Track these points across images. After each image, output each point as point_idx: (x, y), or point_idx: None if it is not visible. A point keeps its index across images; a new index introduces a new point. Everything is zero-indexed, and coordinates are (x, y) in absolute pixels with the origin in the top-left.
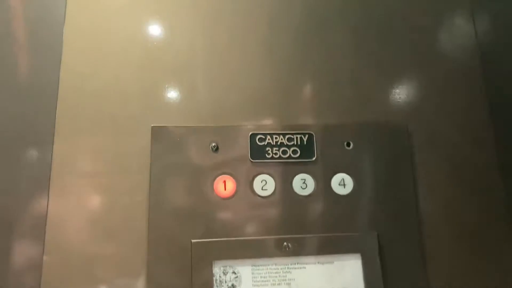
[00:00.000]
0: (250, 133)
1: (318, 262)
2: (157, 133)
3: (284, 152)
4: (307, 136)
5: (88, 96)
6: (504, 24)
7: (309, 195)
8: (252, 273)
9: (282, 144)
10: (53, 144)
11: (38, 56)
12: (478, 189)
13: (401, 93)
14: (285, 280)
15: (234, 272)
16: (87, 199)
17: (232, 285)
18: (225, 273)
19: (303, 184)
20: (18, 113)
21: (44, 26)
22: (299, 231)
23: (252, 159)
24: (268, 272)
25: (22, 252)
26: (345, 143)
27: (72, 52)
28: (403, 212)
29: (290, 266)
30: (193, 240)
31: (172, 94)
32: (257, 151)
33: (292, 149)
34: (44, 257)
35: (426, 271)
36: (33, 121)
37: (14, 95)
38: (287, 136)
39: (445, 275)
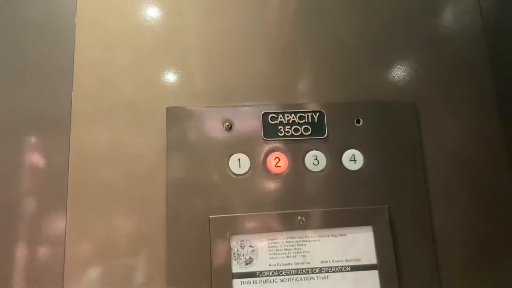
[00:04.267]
0: (263, 112)
1: (331, 235)
2: (172, 114)
3: (296, 130)
4: (318, 114)
5: (103, 81)
6: (509, 3)
7: (321, 171)
8: (268, 246)
9: (294, 122)
10: (70, 129)
11: (51, 43)
12: (484, 162)
13: (408, 72)
14: (300, 252)
15: (251, 246)
16: (106, 182)
17: (250, 258)
18: (242, 247)
19: (315, 160)
20: (34, 100)
21: (56, 12)
22: (313, 206)
23: (265, 137)
24: (284, 245)
25: (44, 232)
26: (355, 120)
27: (85, 39)
28: (412, 186)
29: (304, 239)
30: (210, 216)
31: (185, 76)
32: (270, 130)
33: (303, 127)
34: (67, 237)
35: (435, 241)
36: (50, 107)
37: (29, 83)
38: (298, 115)
39: (453, 247)
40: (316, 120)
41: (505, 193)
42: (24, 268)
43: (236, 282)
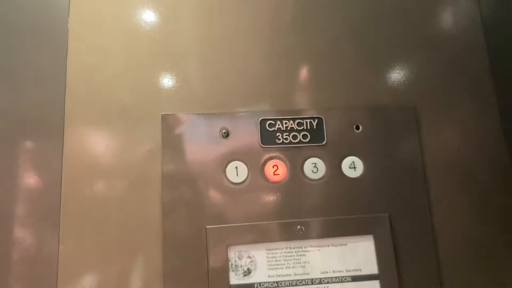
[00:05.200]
0: (260, 118)
1: (331, 244)
2: (167, 120)
3: (294, 137)
4: (316, 120)
5: (96, 86)
6: (508, 5)
7: (320, 179)
8: (267, 257)
9: (292, 129)
10: (63, 135)
11: (43, 48)
12: (485, 168)
13: (408, 75)
14: (300, 262)
15: (249, 257)
16: (100, 189)
17: (248, 269)
18: (240, 258)
19: (314, 168)
20: (27, 106)
21: (49, 17)
22: (312, 215)
23: (263, 144)
24: (283, 256)
25: (37, 242)
26: (354, 126)
27: (78, 44)
28: (413, 193)
29: (304, 249)
30: (207, 226)
31: (181, 82)
32: (268, 137)
33: (302, 133)
34: (60, 247)
35: (437, 250)
36: (43, 113)
37: (22, 88)
38: (296, 121)
39: (455, 255)
40: (314, 127)
41: (507, 199)
42: (17, 278)
43: None
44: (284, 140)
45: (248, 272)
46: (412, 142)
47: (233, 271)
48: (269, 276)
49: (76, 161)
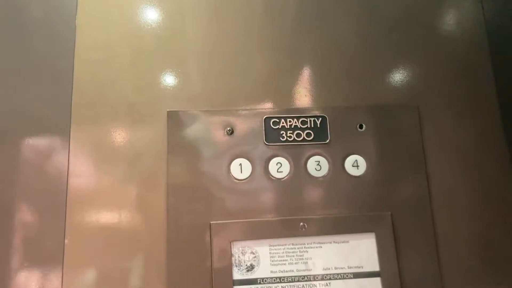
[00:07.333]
0: (265, 116)
1: (333, 241)
2: (173, 117)
3: (298, 135)
4: (320, 119)
5: (103, 84)
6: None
7: (324, 177)
8: (270, 253)
9: (296, 127)
10: (70, 133)
11: (51, 46)
12: (488, 168)
13: (411, 76)
14: (302, 259)
15: (252, 252)
16: (105, 184)
17: (251, 264)
18: (243, 253)
19: (317, 166)
20: (34, 103)
21: (56, 15)
22: (315, 212)
23: (267, 142)
24: (286, 252)
25: (43, 235)
26: (358, 125)
27: (85, 41)
28: (415, 192)
29: (306, 245)
30: (211, 222)
31: (186, 79)
32: (272, 134)
33: (306, 132)
34: (66, 241)
35: (438, 248)
36: (49, 110)
37: (29, 85)
38: (301, 119)
39: (457, 254)
40: (318, 125)
41: (510, 198)
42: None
43: None
44: (288, 138)
45: (251, 268)
46: (414, 141)
47: (236, 266)
48: (271, 272)
49: (82, 157)
